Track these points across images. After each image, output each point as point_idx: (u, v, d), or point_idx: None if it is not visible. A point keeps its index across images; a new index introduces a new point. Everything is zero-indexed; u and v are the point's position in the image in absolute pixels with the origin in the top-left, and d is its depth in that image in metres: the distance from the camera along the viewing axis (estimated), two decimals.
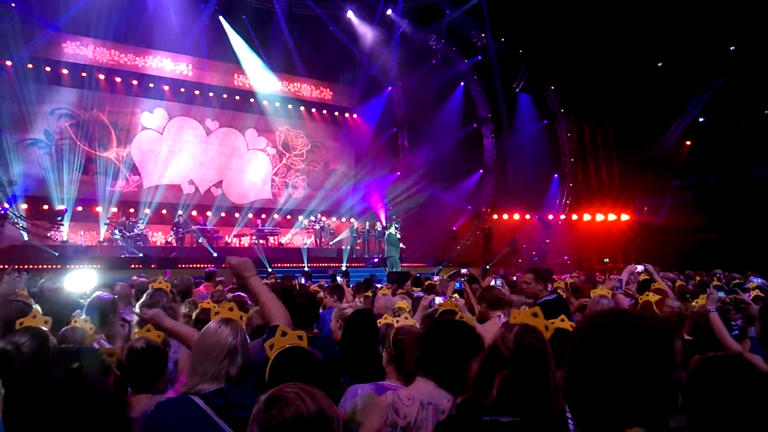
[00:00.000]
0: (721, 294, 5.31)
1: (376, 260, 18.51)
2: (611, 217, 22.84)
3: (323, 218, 20.45)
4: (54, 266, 12.73)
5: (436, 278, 9.37)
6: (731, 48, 18.33)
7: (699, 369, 1.69)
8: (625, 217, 22.62)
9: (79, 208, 16.83)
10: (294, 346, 2.11)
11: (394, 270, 14.92)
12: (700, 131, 20.46)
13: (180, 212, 17.90)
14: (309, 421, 1.36)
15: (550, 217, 23.25)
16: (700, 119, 20.53)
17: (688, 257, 14.58)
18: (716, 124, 19.97)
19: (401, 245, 16.71)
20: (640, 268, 5.46)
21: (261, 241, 18.59)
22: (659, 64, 19.77)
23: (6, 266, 12.37)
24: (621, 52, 18.42)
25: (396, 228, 16.81)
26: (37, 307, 3.53)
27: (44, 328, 2.70)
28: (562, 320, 2.85)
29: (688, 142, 20.92)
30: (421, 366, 2.40)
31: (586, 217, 23.20)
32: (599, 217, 23.03)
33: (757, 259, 12.02)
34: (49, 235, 15.51)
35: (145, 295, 3.53)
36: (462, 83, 22.66)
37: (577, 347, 1.28)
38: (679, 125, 20.84)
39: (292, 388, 1.43)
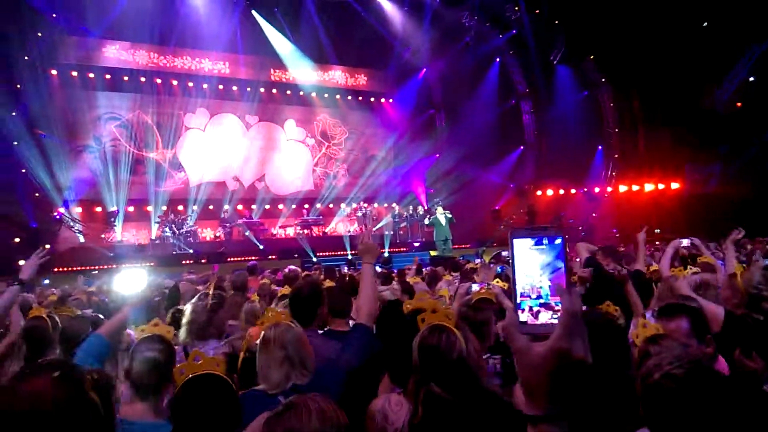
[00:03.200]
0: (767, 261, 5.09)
1: (417, 244, 18.51)
2: (660, 186, 22.11)
3: (365, 205, 20.57)
4: (109, 266, 13.29)
5: (477, 261, 9.29)
6: None
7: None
8: (674, 185, 21.87)
9: (131, 209, 17.46)
10: (205, 374, 1.98)
11: (440, 254, 14.86)
12: (752, 93, 19.48)
13: (226, 207, 18.33)
14: None
15: (596, 189, 22.69)
16: (750, 79, 19.54)
17: (741, 226, 13.98)
18: (766, 85, 18.96)
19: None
20: (686, 242, 5.29)
21: (305, 231, 18.87)
22: (704, 25, 18.88)
23: (66, 269, 13.02)
24: (661, 15, 17.67)
25: (442, 210, 16.48)
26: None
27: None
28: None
29: (739, 104, 19.97)
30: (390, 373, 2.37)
31: (634, 188, 22.52)
32: (648, 187, 22.31)
33: None
34: (103, 236, 16.16)
35: (194, 300, 3.54)
36: (498, 59, 22.27)
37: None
38: (728, 88, 19.90)
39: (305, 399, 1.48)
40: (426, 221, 16.57)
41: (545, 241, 1.06)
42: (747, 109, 19.36)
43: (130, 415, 2.20)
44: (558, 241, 1.06)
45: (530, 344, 1.01)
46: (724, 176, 19.12)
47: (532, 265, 1.06)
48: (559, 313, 1.01)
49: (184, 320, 3.38)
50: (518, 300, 1.06)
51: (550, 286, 1.04)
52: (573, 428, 0.99)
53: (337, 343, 2.69)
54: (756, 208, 16.57)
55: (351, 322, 3.21)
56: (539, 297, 1.05)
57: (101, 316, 3.89)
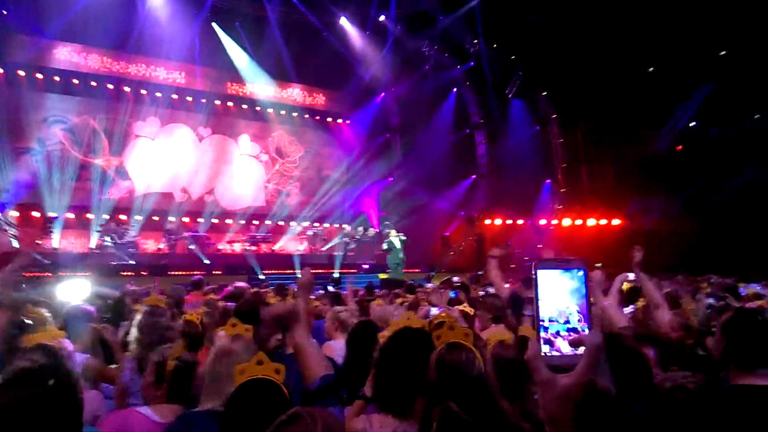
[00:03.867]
0: (711, 300, 5.32)
1: (367, 266, 18.47)
2: (602, 222, 22.91)
3: (316, 224, 20.42)
4: (46, 274, 12.64)
5: (428, 285, 9.34)
6: (721, 53, 18.50)
7: None
8: (616, 221, 22.71)
9: (71, 215, 16.72)
10: (265, 379, 1.94)
11: (392, 277, 14.84)
12: (691, 137, 20.60)
13: (172, 219, 17.82)
14: None
15: (543, 222, 23.31)
16: (691, 124, 20.67)
17: (681, 262, 14.64)
18: (706, 130, 20.12)
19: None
20: (631, 276, 5.43)
21: (253, 248, 18.54)
22: (650, 69, 19.91)
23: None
24: (612, 58, 18.52)
25: (395, 232, 16.47)
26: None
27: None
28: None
29: (679, 147, 21.06)
30: (374, 394, 2.30)
31: (578, 222, 23.26)
32: (591, 222, 23.10)
33: (750, 264, 12.08)
34: (39, 242, 15.39)
35: (142, 315, 3.40)
36: (455, 89, 22.74)
37: None
38: (671, 131, 20.97)
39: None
40: (384, 246, 16.46)
41: (568, 274, 1.08)
42: (687, 151, 20.43)
43: None
44: (580, 273, 1.07)
45: (555, 376, 1.01)
46: (665, 213, 19.99)
47: (559, 291, 1.07)
48: (578, 344, 1.02)
49: (134, 336, 3.23)
50: (543, 333, 1.06)
51: (579, 311, 1.05)
52: None
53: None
54: (697, 244, 17.38)
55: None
56: (567, 322, 1.06)
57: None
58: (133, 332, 3.29)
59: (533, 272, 1.08)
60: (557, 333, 1.05)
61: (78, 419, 1.62)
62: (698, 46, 17.57)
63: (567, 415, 0.98)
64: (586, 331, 1.04)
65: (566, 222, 23.26)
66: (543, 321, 1.06)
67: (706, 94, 19.68)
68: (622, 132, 20.53)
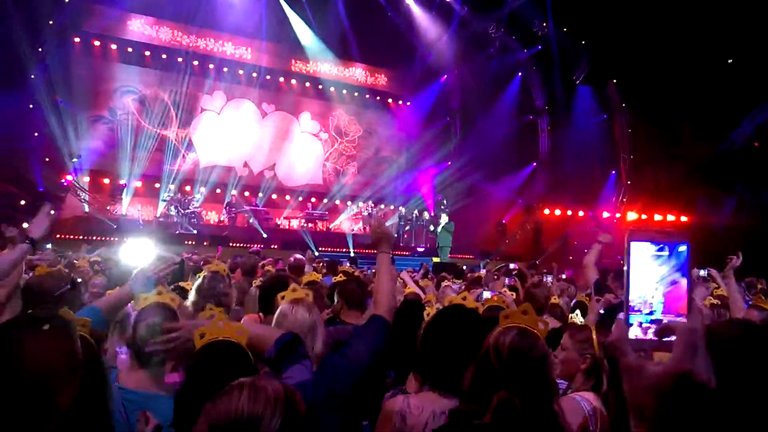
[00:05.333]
0: None
1: (421, 249, 18.41)
2: (670, 218, 21.96)
3: (372, 204, 20.49)
4: (111, 238, 13.24)
5: (482, 271, 9.20)
6: None
7: None
8: (684, 218, 21.73)
9: (138, 184, 17.41)
10: (225, 341, 1.87)
11: (442, 260, 14.80)
12: None
13: (233, 192, 18.26)
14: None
15: (605, 214, 22.55)
16: None
17: (752, 263, 13.83)
18: None
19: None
20: (703, 272, 5.16)
21: (309, 225, 18.80)
22: (729, 61, 18.78)
23: (70, 236, 12.98)
24: (688, 48, 17.56)
25: (447, 217, 16.48)
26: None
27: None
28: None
29: (756, 144, 19.84)
30: (419, 371, 2.24)
31: (643, 217, 22.37)
32: (657, 217, 22.17)
33: None
34: (108, 208, 16.12)
35: (203, 279, 3.37)
36: (520, 73, 22.16)
37: None
38: (747, 127, 19.78)
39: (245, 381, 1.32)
40: (438, 228, 16.36)
41: (666, 249, 0.95)
42: (764, 149, 19.24)
43: (129, 383, 2.12)
44: (682, 248, 0.95)
45: (643, 363, 0.93)
46: (737, 213, 18.97)
47: (648, 277, 0.95)
48: (666, 333, 0.92)
49: (192, 300, 3.30)
50: (629, 314, 0.96)
51: (663, 302, 0.94)
52: None
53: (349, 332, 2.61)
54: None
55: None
56: (651, 313, 0.95)
57: (79, 279, 3.86)
58: (192, 295, 3.36)
59: (626, 243, 0.97)
60: (640, 324, 0.95)
61: None
62: None
63: (653, 406, 0.90)
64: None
65: (631, 216, 22.40)
66: (632, 302, 0.96)
67: None
68: (695, 125, 19.50)
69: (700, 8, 16.53)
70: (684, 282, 0.95)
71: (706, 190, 20.58)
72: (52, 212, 3.38)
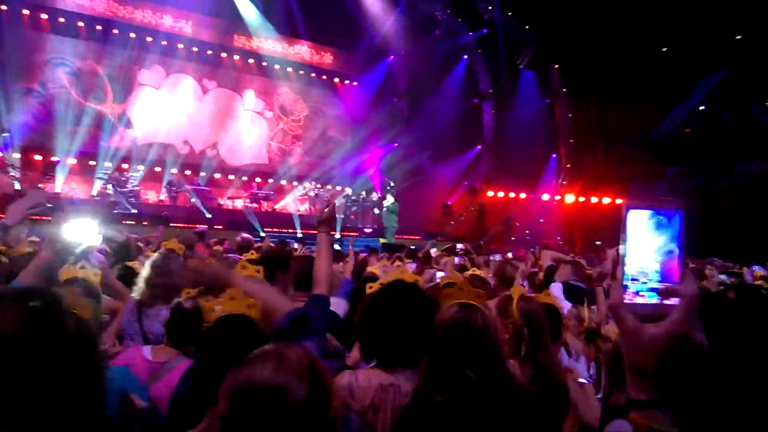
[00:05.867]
0: (723, 277, 5.33)
1: (369, 230, 18.47)
2: (605, 200, 22.86)
3: (318, 186, 20.33)
4: (46, 217, 12.58)
5: (433, 251, 9.32)
6: (737, 37, 18.19)
7: None
8: (619, 201, 22.65)
9: (73, 161, 16.57)
10: (239, 315, 1.93)
11: (388, 240, 14.91)
12: (700, 120, 20.40)
13: (174, 171, 17.68)
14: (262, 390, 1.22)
15: (546, 196, 23.24)
16: (701, 108, 20.45)
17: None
18: (716, 115, 19.92)
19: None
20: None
21: (254, 205, 18.49)
22: (663, 50, 19.60)
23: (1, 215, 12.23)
24: (627, 36, 18.24)
25: (392, 198, 16.64)
26: None
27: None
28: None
29: (687, 130, 20.88)
30: (360, 347, 2.29)
31: (581, 199, 23.20)
32: (593, 199, 23.04)
33: (752, 251, 12.09)
34: (41, 186, 15.29)
35: (158, 256, 3.35)
36: (465, 56, 22.36)
37: None
38: (680, 112, 20.76)
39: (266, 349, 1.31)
40: (384, 208, 16.53)
41: (663, 217, 1.00)
42: (695, 134, 20.26)
43: None
44: (677, 216, 1.00)
45: (641, 325, 0.96)
46: (668, 196, 19.94)
47: (645, 248, 0.99)
48: (669, 294, 0.96)
49: (145, 277, 3.21)
50: (626, 282, 1.00)
51: (659, 271, 0.98)
52: (679, 418, 0.94)
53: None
54: (698, 229, 17.30)
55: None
56: (645, 283, 1.00)
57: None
58: (144, 271, 3.29)
59: (624, 212, 1.01)
60: (637, 293, 1.00)
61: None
62: (713, 30, 17.28)
63: (651, 366, 0.94)
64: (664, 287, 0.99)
65: (569, 198, 23.19)
66: (627, 273, 1.00)
67: (719, 78, 19.42)
68: (631, 111, 20.31)
69: None
70: (677, 251, 0.99)
71: (640, 173, 21.56)
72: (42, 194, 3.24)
